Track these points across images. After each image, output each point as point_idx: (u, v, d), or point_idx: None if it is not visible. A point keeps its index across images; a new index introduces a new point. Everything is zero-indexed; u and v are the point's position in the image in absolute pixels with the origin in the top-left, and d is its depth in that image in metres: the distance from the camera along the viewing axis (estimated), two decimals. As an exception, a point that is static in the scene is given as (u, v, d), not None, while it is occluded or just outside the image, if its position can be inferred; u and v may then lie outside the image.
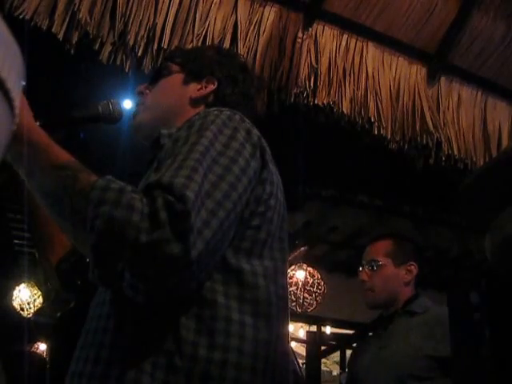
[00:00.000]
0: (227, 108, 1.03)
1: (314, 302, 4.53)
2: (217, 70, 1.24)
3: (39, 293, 5.34)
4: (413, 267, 2.12)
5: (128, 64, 2.29)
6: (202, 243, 0.81)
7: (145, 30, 2.29)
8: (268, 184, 0.98)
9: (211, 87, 1.22)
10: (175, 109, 1.21)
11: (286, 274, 1.06)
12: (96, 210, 0.81)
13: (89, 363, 0.88)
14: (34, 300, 5.32)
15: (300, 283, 4.61)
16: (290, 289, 4.56)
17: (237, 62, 1.31)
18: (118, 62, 2.29)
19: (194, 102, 1.21)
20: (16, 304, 5.31)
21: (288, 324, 1.02)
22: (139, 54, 2.28)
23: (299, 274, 4.67)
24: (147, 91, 1.27)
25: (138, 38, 2.27)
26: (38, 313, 5.39)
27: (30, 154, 0.89)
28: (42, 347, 6.00)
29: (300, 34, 2.60)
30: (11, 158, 0.91)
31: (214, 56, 1.29)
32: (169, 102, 1.23)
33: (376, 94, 2.69)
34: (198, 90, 1.22)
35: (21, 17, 2.06)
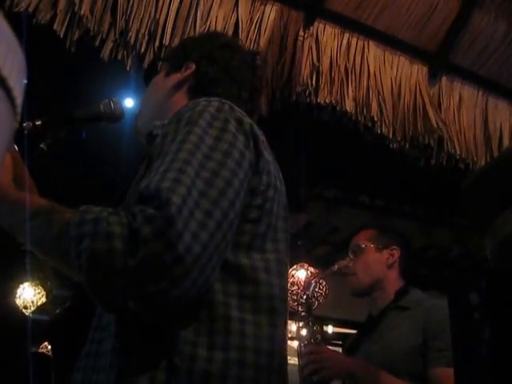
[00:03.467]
0: (212, 90, 1.01)
1: (316, 302, 4.52)
2: (194, 53, 1.24)
3: (43, 292, 5.34)
4: (395, 251, 2.14)
5: (129, 62, 2.29)
6: (199, 246, 0.78)
7: (146, 28, 2.29)
8: (264, 174, 0.95)
9: (189, 71, 1.22)
10: (161, 103, 1.21)
11: (288, 264, 1.04)
12: (77, 248, 0.79)
13: (90, 371, 0.88)
14: (38, 299, 5.32)
15: (301, 283, 4.61)
16: (292, 288, 4.56)
17: (217, 41, 1.29)
18: (119, 60, 2.29)
19: (175, 89, 1.21)
20: (19, 303, 5.31)
21: (287, 315, 1.01)
22: (140, 52, 2.28)
23: (301, 274, 4.66)
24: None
25: (140, 36, 2.27)
26: (40, 311, 5.39)
27: (3, 214, 0.91)
28: (50, 346, 6.00)
29: (301, 33, 2.60)
30: None
31: (195, 41, 1.30)
32: (155, 98, 1.24)
33: (378, 92, 2.69)
34: (178, 78, 1.22)
35: (21, 14, 2.06)
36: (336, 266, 2.19)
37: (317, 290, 4.59)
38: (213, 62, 1.22)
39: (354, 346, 2.13)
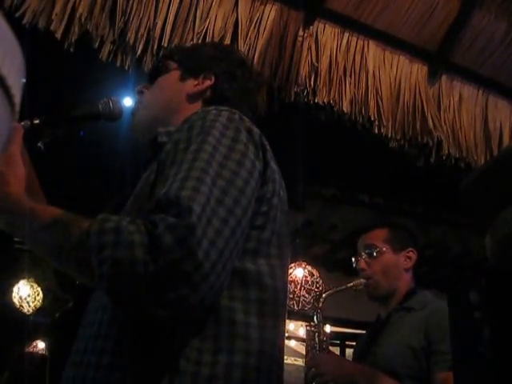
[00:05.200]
0: (226, 106, 1.02)
1: (312, 301, 4.53)
2: (214, 65, 1.24)
3: (39, 290, 5.35)
4: (412, 253, 2.11)
5: (128, 62, 2.29)
6: (216, 253, 0.80)
7: (145, 29, 2.29)
8: (270, 183, 0.97)
9: (208, 83, 1.22)
10: (172, 106, 1.20)
11: (288, 268, 1.06)
12: (98, 257, 0.79)
13: (90, 369, 0.88)
14: (34, 297, 5.32)
15: (299, 281, 4.62)
16: (289, 287, 4.56)
17: (235, 58, 1.30)
18: (118, 61, 2.29)
19: (191, 98, 1.20)
20: (16, 301, 5.32)
21: (286, 319, 1.03)
22: (139, 53, 2.28)
23: (298, 273, 4.67)
24: (146, 90, 1.28)
25: (138, 37, 2.27)
26: (36, 312, 5.39)
27: (18, 224, 0.91)
28: (41, 345, 6.01)
29: (301, 33, 2.60)
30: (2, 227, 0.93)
31: (212, 52, 1.28)
32: (166, 99, 1.23)
33: (377, 92, 2.69)
34: (195, 86, 1.21)
35: (20, 14, 2.06)
36: (352, 284, 2.15)
37: (313, 288, 4.60)
38: (232, 79, 1.23)
39: (363, 349, 2.12)
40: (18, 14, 2.04)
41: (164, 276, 0.77)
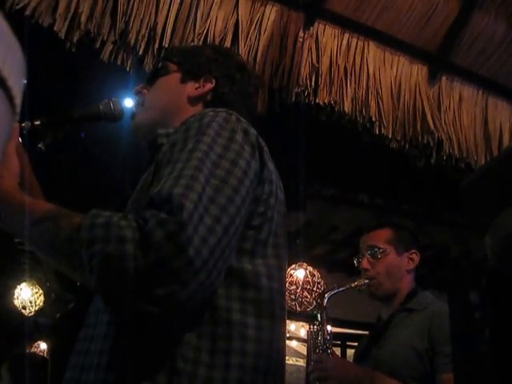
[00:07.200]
0: (224, 108, 1.02)
1: (314, 302, 4.53)
2: (214, 68, 1.24)
3: (40, 291, 5.34)
4: (414, 255, 2.11)
5: (129, 63, 2.29)
6: (207, 251, 0.80)
7: (146, 29, 2.29)
8: (267, 183, 0.98)
9: (209, 86, 1.22)
10: (173, 108, 1.21)
11: (286, 269, 1.06)
12: (89, 252, 0.80)
13: (88, 370, 0.88)
14: (36, 299, 5.32)
15: (300, 282, 4.62)
16: (291, 288, 4.56)
17: (234, 61, 1.30)
18: (119, 61, 2.29)
19: (192, 101, 1.21)
20: (17, 303, 5.31)
21: (285, 320, 1.03)
22: (140, 53, 2.28)
23: (299, 274, 4.67)
24: (145, 91, 1.28)
25: (139, 37, 2.28)
26: (38, 313, 5.39)
27: (9, 218, 0.91)
28: (43, 346, 6.00)
29: (301, 34, 2.60)
30: None
31: (212, 55, 1.29)
32: (167, 101, 1.23)
33: (377, 93, 2.69)
34: (196, 89, 1.22)
35: (21, 15, 2.06)
36: (355, 283, 2.14)
37: (315, 289, 4.59)
38: (232, 84, 1.24)
39: (365, 350, 2.12)
40: (19, 14, 2.04)
41: (154, 272, 0.77)
